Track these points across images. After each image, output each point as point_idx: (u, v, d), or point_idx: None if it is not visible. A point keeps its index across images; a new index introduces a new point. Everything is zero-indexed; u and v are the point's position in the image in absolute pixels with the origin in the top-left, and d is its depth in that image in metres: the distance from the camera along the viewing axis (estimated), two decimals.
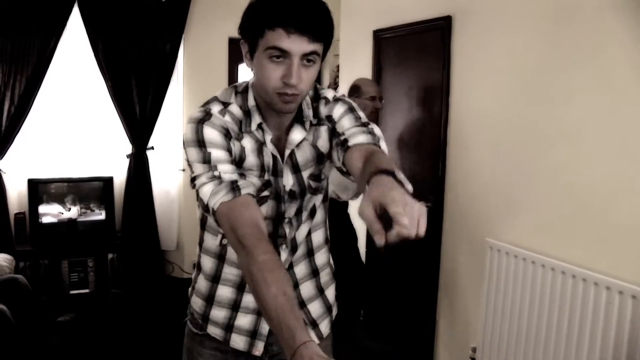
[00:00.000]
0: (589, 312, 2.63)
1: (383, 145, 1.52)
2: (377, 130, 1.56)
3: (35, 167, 5.21)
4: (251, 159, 1.58)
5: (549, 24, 2.91)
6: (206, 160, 1.49)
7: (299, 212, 1.68)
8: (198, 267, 1.80)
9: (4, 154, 5.01)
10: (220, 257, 1.72)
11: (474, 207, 3.51)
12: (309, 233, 1.77)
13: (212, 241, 1.72)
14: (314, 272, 1.80)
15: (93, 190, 5.32)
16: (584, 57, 2.72)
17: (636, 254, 2.50)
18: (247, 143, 1.58)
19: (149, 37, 5.35)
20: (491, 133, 3.35)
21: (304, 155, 1.63)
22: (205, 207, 1.48)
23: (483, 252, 3.33)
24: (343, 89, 5.02)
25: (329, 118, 1.61)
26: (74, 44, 5.23)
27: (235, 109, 1.58)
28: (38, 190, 5.08)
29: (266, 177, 1.60)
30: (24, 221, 5.15)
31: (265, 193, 1.60)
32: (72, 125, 5.33)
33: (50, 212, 5.13)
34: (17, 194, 5.20)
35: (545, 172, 2.95)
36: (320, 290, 1.83)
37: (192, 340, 1.83)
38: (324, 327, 1.83)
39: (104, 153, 5.45)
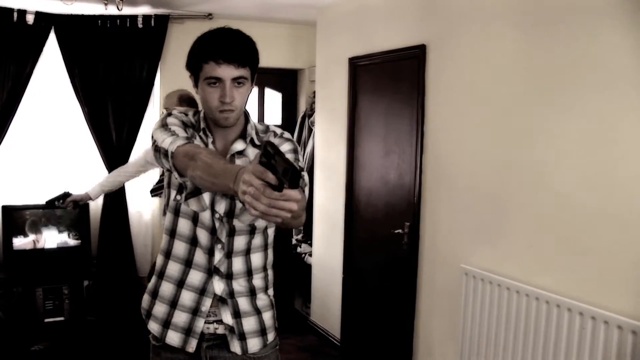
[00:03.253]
0: (563, 338, 2.67)
1: (306, 190, 1.84)
2: (306, 177, 1.87)
3: (9, 193, 5.16)
4: None
5: (524, 52, 2.98)
6: (167, 129, 1.87)
7: (229, 215, 1.91)
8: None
9: None
10: (167, 254, 1.99)
11: (450, 234, 3.55)
12: (248, 252, 2.00)
13: (164, 238, 2.01)
14: (251, 292, 2.03)
15: (68, 216, 5.27)
16: (560, 84, 2.78)
17: (610, 280, 2.55)
18: (196, 141, 1.91)
19: (126, 63, 5.34)
20: (466, 160, 3.40)
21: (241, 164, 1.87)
22: (165, 153, 1.80)
23: (459, 277, 3.37)
24: (319, 114, 5.07)
25: None
26: (50, 70, 5.21)
27: (190, 119, 1.99)
28: (12, 216, 5.02)
29: None
30: None
31: None
32: (48, 151, 5.29)
33: (24, 239, 5.07)
34: None
35: (520, 199, 3.00)
36: (257, 311, 2.04)
37: (153, 353, 2.08)
38: (252, 344, 2.01)
39: (80, 179, 5.40)
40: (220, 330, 1.99)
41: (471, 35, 3.34)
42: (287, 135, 2.01)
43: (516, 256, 3.04)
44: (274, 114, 6.17)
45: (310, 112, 5.57)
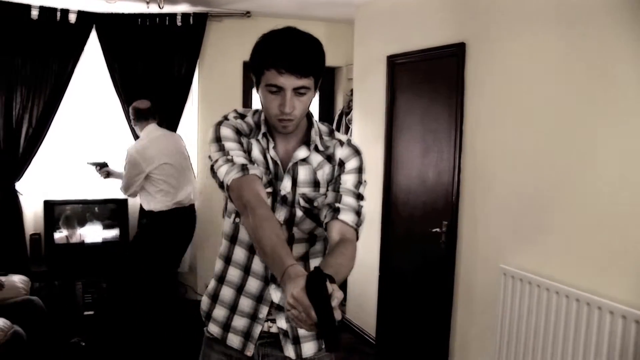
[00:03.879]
0: (605, 341, 2.62)
1: (361, 229, 1.86)
2: (364, 210, 1.88)
3: (51, 188, 5.29)
4: (258, 159, 1.89)
5: (566, 50, 2.93)
6: (222, 149, 1.84)
7: (289, 223, 1.90)
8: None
9: (21, 175, 5.09)
10: (227, 260, 2.00)
11: (488, 234, 3.52)
12: (307, 259, 1.98)
13: (224, 242, 2.02)
14: None
15: (107, 211, 5.37)
16: (602, 83, 2.73)
17: None
18: (255, 147, 1.89)
19: (165, 61, 5.42)
20: (506, 160, 3.36)
21: (304, 174, 1.89)
22: (220, 184, 1.82)
23: (497, 278, 3.33)
24: (356, 112, 5.06)
25: (341, 163, 1.91)
26: (92, 68, 5.33)
27: (249, 120, 1.93)
28: (54, 211, 5.14)
29: (268, 177, 1.88)
30: (40, 242, 5.21)
31: (269, 189, 1.87)
32: (88, 147, 5.39)
33: (64, 233, 5.18)
34: (32, 215, 5.27)
35: (561, 199, 2.96)
36: None
37: (205, 344, 2.10)
38: (307, 348, 1.99)
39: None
40: (274, 329, 1.98)
41: (512, 33, 3.30)
42: (355, 145, 1.97)
43: (556, 257, 2.99)
44: (311, 112, 6.17)
45: (348, 110, 5.56)
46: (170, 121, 5.45)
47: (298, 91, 1.74)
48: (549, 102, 3.03)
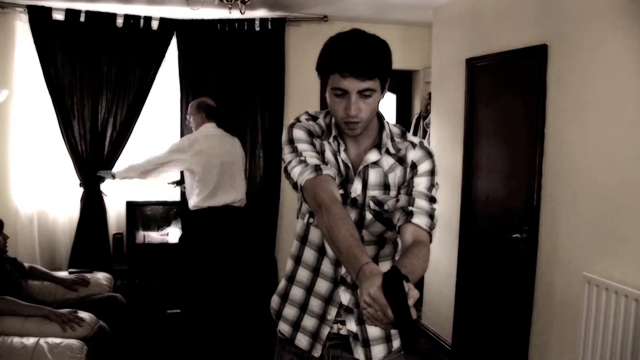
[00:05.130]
0: None
1: (434, 232, 1.84)
2: (437, 213, 1.87)
3: (132, 190, 5.45)
4: (331, 161, 1.91)
5: None
6: (295, 151, 1.87)
7: (359, 225, 1.90)
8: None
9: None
10: (297, 260, 2.03)
11: (571, 240, 3.41)
12: (376, 261, 1.96)
13: (295, 243, 2.05)
14: None
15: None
16: None
17: None
18: (327, 149, 1.92)
19: (247, 66, 5.53)
20: (589, 164, 3.26)
21: (374, 177, 1.90)
22: (294, 185, 1.85)
23: (580, 286, 3.22)
24: (435, 116, 5.02)
25: (413, 165, 1.90)
26: (172, 73, 5.49)
27: (321, 122, 1.96)
28: (135, 212, 5.32)
29: (340, 179, 1.90)
30: (122, 241, 5.41)
31: (340, 191, 1.86)
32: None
33: (146, 233, 5.35)
34: (115, 215, 5.49)
35: None
36: None
37: (278, 345, 2.14)
38: (377, 351, 1.99)
39: None
40: (344, 330, 1.99)
41: (595, 34, 3.20)
42: (427, 146, 1.95)
43: None
44: (388, 115, 6.15)
45: (425, 113, 5.53)
46: (264, 126, 5.60)
47: (363, 94, 1.75)
48: (636, 105, 2.92)
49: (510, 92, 3.99)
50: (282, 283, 2.11)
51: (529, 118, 3.73)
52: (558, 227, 3.53)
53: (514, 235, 3.83)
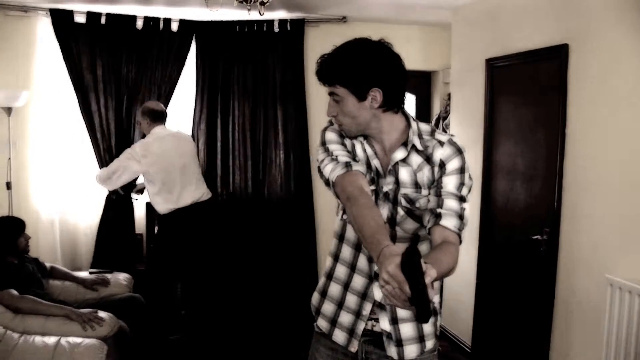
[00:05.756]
0: None
1: (464, 233, 1.88)
2: (467, 213, 1.91)
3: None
4: (362, 159, 1.99)
5: None
6: (327, 151, 1.98)
7: (391, 222, 1.95)
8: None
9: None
10: (336, 257, 2.10)
11: (593, 241, 3.37)
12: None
13: (334, 241, 2.12)
14: None
15: None
16: None
17: None
18: (358, 148, 2.00)
19: (266, 67, 5.55)
20: (611, 165, 3.22)
21: (405, 175, 1.94)
22: (326, 182, 1.95)
23: (602, 289, 3.19)
24: (454, 117, 4.99)
25: (442, 164, 1.92)
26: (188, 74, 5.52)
27: None
28: (155, 212, 5.32)
29: (371, 175, 1.96)
30: (141, 242, 5.45)
31: (372, 187, 1.94)
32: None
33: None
34: (136, 216, 5.52)
35: None
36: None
37: (314, 338, 2.22)
38: (409, 351, 2.02)
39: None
40: (377, 328, 2.03)
41: (617, 32, 3.16)
42: (456, 142, 1.97)
43: None
44: (408, 111, 6.13)
45: (445, 114, 5.50)
46: (287, 127, 5.64)
47: (333, 98, 1.92)
48: None
49: (530, 93, 3.96)
50: (322, 280, 2.18)
51: (550, 118, 3.69)
52: (579, 229, 3.49)
53: (535, 237, 3.79)
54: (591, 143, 3.39)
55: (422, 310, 1.39)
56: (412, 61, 5.75)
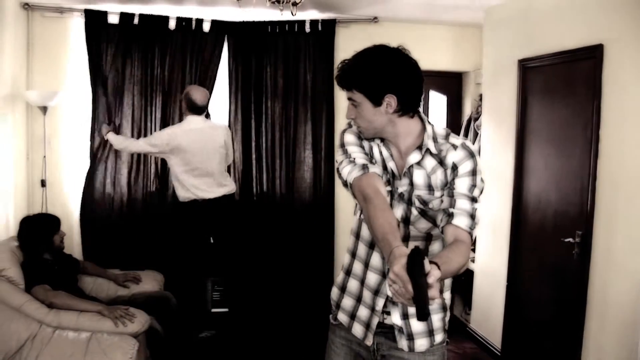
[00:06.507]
0: None
1: (475, 232, 1.93)
2: (478, 213, 1.94)
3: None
4: (379, 161, 2.06)
5: None
6: (345, 153, 2.07)
7: (406, 221, 2.03)
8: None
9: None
10: (353, 254, 2.20)
11: (627, 244, 3.32)
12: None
13: (351, 238, 2.21)
14: None
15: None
16: None
17: None
18: (375, 150, 2.08)
19: (297, 67, 5.56)
20: None
21: (419, 177, 2.01)
22: (344, 183, 2.03)
23: (637, 292, 3.15)
24: (486, 118, 4.96)
25: (454, 167, 1.97)
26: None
27: None
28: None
29: (387, 177, 2.04)
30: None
31: (388, 188, 2.02)
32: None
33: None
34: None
35: None
36: None
37: (330, 331, 2.33)
38: (420, 344, 2.10)
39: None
40: (388, 320, 2.12)
41: None
42: (469, 146, 2.00)
43: None
44: (439, 117, 6.11)
45: (476, 115, 5.46)
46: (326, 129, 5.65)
47: (351, 102, 2.01)
48: None
49: (563, 94, 3.91)
50: (341, 276, 2.27)
51: (584, 120, 3.65)
52: (613, 231, 3.44)
53: (567, 240, 3.75)
54: (626, 145, 3.34)
55: (420, 309, 1.47)
56: (443, 62, 5.74)
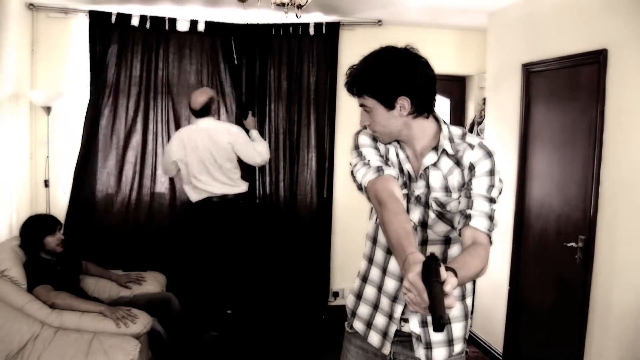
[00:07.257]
0: None
1: (493, 234, 1.87)
2: (497, 214, 1.89)
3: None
4: (394, 163, 2.01)
5: None
6: (360, 155, 2.02)
7: (423, 225, 1.97)
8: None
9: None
10: (370, 260, 2.13)
11: (631, 250, 3.32)
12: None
13: (367, 243, 2.15)
14: None
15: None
16: None
17: None
18: (391, 152, 2.02)
19: (301, 70, 5.56)
20: None
21: (435, 179, 1.95)
22: (359, 186, 1.98)
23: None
24: (489, 122, 4.96)
25: (471, 167, 1.91)
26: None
27: None
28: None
29: (403, 179, 1.99)
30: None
31: (404, 191, 1.97)
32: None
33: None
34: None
35: None
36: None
37: (345, 339, 2.26)
38: (438, 354, 2.02)
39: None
40: (406, 328, 2.04)
41: None
42: (487, 145, 1.95)
43: None
44: (440, 116, 6.10)
45: (480, 119, 5.46)
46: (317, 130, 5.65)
47: (364, 108, 1.96)
48: None
49: (567, 98, 3.91)
50: (357, 282, 2.21)
51: (587, 124, 3.64)
52: (616, 237, 3.44)
53: (570, 245, 3.74)
54: (630, 150, 3.33)
55: (436, 319, 1.38)
56: (447, 65, 5.73)
